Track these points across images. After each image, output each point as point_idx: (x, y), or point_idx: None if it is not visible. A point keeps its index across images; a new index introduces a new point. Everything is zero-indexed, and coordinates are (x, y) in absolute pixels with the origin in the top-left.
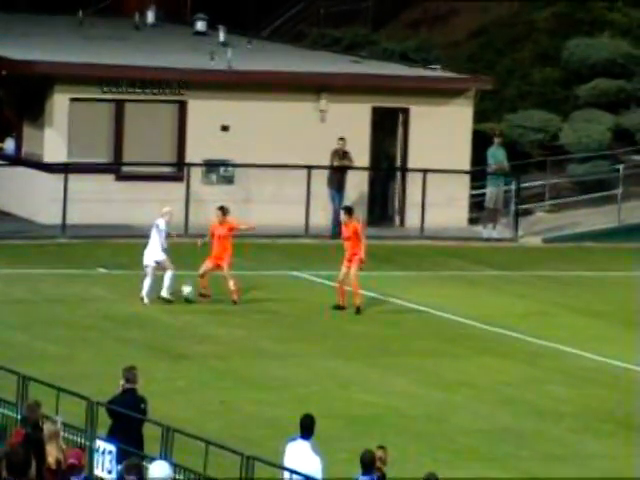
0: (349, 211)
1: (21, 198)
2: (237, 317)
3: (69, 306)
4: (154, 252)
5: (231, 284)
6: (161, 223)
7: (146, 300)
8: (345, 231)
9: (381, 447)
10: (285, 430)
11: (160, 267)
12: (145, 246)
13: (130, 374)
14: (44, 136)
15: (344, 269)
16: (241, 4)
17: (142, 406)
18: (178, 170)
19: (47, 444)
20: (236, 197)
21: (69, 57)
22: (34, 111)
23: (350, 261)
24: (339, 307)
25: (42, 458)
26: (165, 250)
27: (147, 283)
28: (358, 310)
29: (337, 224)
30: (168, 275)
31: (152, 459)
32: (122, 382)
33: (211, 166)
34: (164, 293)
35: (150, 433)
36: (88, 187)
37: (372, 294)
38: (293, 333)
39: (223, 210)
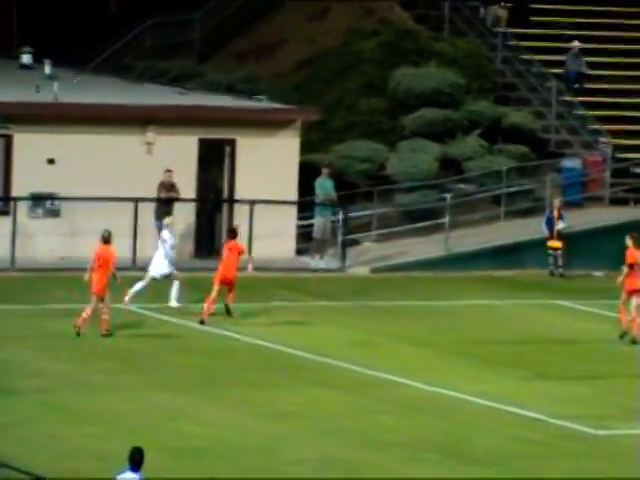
0: (231, 232)
1: None
2: (65, 351)
3: None
4: (160, 265)
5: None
6: (166, 235)
7: (175, 304)
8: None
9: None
10: (114, 463)
11: (169, 278)
12: None
13: None
14: None
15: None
16: (67, 37)
17: None
18: (4, 204)
19: None
20: (63, 230)
21: None
22: None
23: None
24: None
25: None
26: (171, 261)
27: (175, 288)
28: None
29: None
30: (175, 286)
31: None
32: None
33: (37, 200)
34: (172, 303)
35: None
36: None
37: (198, 325)
38: (122, 366)
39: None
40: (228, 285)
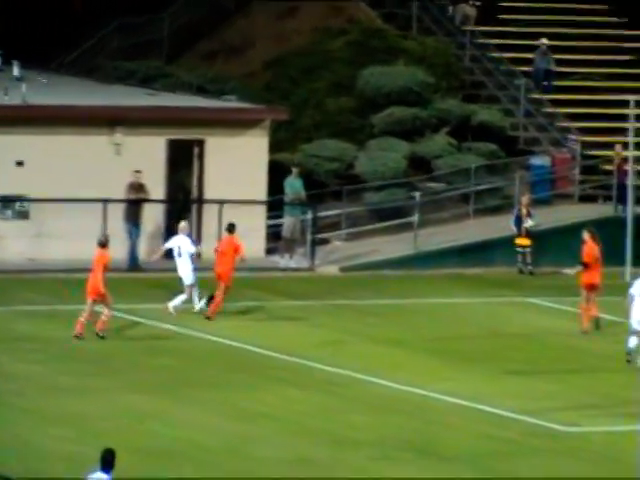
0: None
1: None
2: (34, 353)
3: None
4: (186, 274)
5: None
6: (186, 244)
7: (172, 309)
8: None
9: None
10: (84, 465)
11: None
12: None
13: None
14: None
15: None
16: (35, 38)
17: None
18: None
19: None
20: (32, 232)
21: None
22: None
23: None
24: None
25: None
26: (195, 270)
27: (180, 298)
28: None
29: (133, 257)
30: (182, 296)
31: None
32: None
33: (6, 202)
34: (170, 308)
35: None
36: None
37: (168, 326)
38: (91, 368)
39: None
40: (222, 281)
